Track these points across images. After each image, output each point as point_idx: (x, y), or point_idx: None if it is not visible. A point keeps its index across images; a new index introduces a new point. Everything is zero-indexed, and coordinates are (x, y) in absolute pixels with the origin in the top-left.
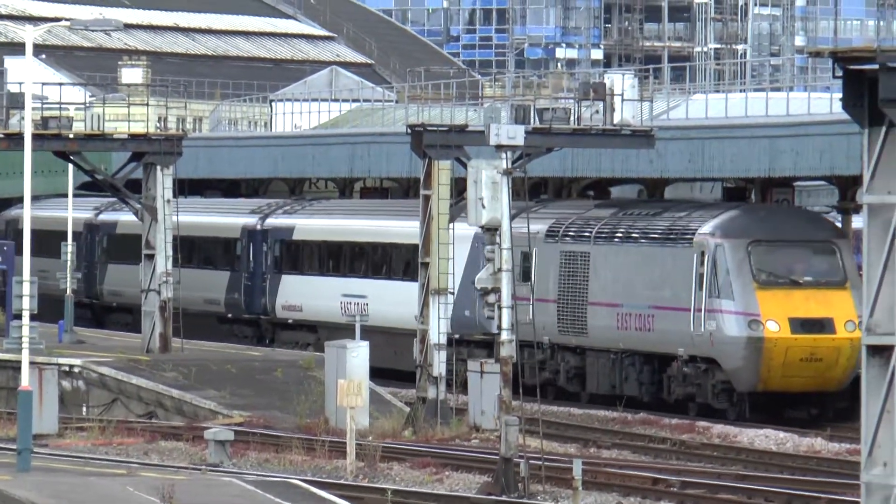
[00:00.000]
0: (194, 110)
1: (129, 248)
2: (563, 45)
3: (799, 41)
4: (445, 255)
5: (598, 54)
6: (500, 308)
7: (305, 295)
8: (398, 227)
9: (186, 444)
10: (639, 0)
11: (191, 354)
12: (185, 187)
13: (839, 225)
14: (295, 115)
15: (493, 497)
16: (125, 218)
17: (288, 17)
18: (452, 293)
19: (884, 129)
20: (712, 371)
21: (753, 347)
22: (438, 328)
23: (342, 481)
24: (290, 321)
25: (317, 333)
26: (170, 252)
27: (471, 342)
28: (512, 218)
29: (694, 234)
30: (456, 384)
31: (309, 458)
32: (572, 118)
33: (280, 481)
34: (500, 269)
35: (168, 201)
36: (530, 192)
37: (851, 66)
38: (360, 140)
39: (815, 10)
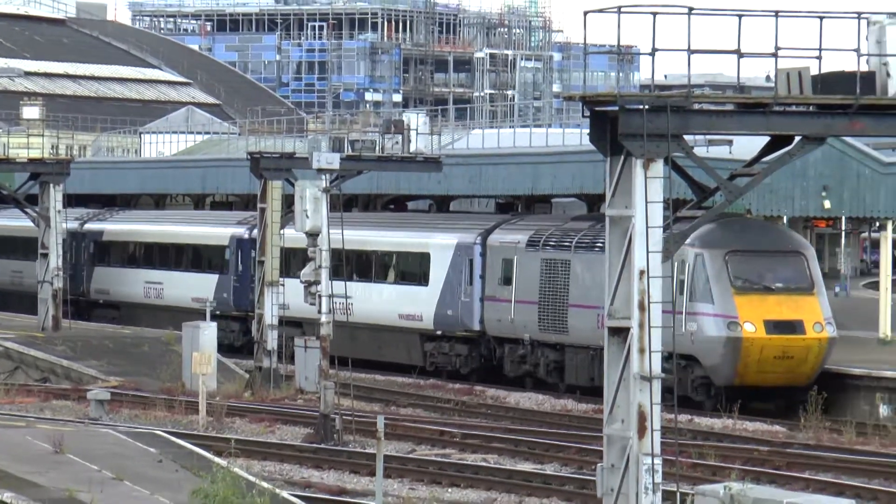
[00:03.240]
0: (80, 140)
1: (116, 253)
2: (371, 90)
3: (556, 88)
4: (276, 255)
5: (398, 97)
6: (320, 297)
7: (292, 295)
8: (377, 237)
9: (73, 403)
10: (430, 55)
11: (77, 332)
12: (73, 201)
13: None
14: (159, 144)
15: (314, 445)
16: (111, 227)
17: (153, 66)
18: (283, 285)
19: (622, 157)
20: (692, 367)
21: (732, 346)
22: (271, 312)
23: (196, 432)
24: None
25: (301, 328)
26: (60, 252)
27: (452, 337)
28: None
29: None
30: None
31: (169, 414)
32: (377, 147)
33: (147, 432)
34: (320, 266)
35: (59, 211)
36: (345, 205)
37: (597, 108)
38: (211, 164)
39: (569, 64)
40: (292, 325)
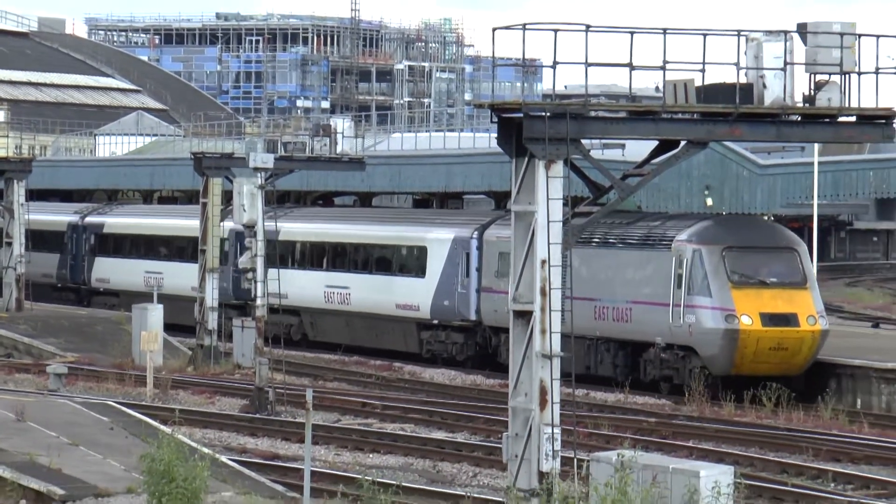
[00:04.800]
0: (41, 141)
1: (117, 244)
2: (302, 97)
3: (468, 96)
4: (217, 245)
5: (326, 104)
6: (255, 282)
7: (291, 285)
8: (375, 231)
9: (34, 376)
10: (355, 66)
11: (37, 313)
12: (35, 195)
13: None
14: (112, 145)
15: (250, 415)
16: (111, 220)
17: (107, 75)
18: (223, 270)
19: (526, 159)
20: (689, 357)
21: (730, 338)
22: (212, 295)
23: (143, 403)
24: (275, 306)
25: (299, 317)
26: (23, 240)
27: (448, 326)
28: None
29: (672, 240)
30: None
31: (120, 387)
32: (307, 149)
33: (100, 402)
34: (256, 255)
35: (22, 205)
36: (279, 199)
37: (504, 115)
38: (158, 163)
39: (479, 75)
40: (289, 313)
